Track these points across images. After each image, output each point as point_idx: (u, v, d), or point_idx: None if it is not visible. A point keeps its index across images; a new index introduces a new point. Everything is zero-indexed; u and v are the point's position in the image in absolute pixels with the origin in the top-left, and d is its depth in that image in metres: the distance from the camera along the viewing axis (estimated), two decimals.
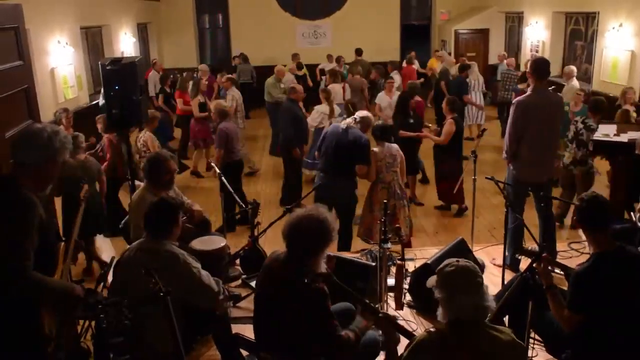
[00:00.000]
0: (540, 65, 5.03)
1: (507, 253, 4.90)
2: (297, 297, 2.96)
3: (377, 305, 3.39)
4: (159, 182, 4.35)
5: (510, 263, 4.98)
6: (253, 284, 4.76)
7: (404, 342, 3.14)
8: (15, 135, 2.92)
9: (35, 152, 2.78)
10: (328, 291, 3.03)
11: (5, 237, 2.57)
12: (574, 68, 9.40)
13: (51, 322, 2.86)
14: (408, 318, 4.41)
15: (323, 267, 3.10)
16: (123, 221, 5.41)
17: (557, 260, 4.99)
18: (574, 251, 5.45)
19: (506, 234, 4.79)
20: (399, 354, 2.87)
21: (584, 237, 3.42)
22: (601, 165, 6.69)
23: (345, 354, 3.03)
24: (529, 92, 5.09)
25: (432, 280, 2.64)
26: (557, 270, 4.90)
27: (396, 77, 10.91)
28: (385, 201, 4.48)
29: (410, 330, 3.40)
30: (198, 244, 4.46)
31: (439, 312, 2.56)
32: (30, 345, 2.74)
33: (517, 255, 3.51)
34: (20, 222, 2.62)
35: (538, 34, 13.18)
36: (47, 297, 2.77)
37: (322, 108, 8.64)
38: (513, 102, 5.11)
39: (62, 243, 3.18)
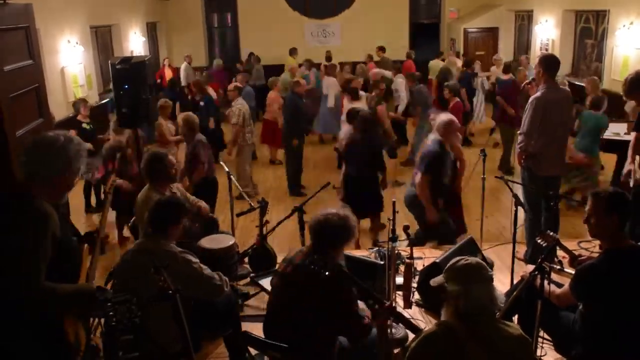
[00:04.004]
0: (549, 61, 5.11)
1: (527, 249, 5.25)
2: (320, 287, 3.02)
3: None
4: (162, 178, 4.37)
5: (529, 258, 5.19)
6: (262, 282, 4.76)
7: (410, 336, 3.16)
8: (28, 146, 2.78)
9: (50, 162, 2.69)
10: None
11: (16, 250, 2.52)
12: None
13: (77, 330, 2.83)
14: (417, 316, 4.40)
15: (342, 261, 3.25)
16: (132, 220, 5.43)
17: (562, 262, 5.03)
18: (583, 250, 5.42)
19: (515, 232, 4.78)
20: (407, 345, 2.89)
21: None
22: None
23: (365, 335, 3.20)
24: (542, 88, 5.11)
25: (438, 279, 2.66)
26: (567, 270, 4.91)
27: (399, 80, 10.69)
28: (393, 200, 4.48)
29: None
30: (206, 242, 4.48)
31: (443, 309, 2.57)
32: (55, 355, 2.70)
33: (537, 239, 3.54)
34: (32, 234, 2.56)
35: (548, 33, 13.11)
36: (64, 304, 2.71)
37: None
38: (530, 99, 5.15)
39: (86, 244, 3.14)
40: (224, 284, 3.54)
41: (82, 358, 2.85)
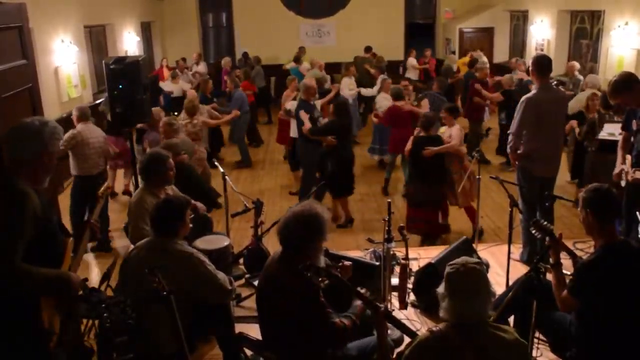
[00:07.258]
0: (541, 62, 5.10)
1: (523, 250, 5.34)
2: (289, 292, 2.97)
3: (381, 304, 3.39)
4: (159, 180, 4.34)
5: (526, 260, 5.21)
6: (256, 283, 4.76)
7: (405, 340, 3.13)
8: (6, 133, 2.88)
9: (26, 146, 2.76)
10: (331, 288, 3.04)
11: None
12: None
13: (52, 318, 2.82)
14: (412, 317, 4.40)
15: (322, 262, 3.14)
16: (125, 223, 5.40)
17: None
18: (579, 250, 5.42)
19: (511, 233, 4.78)
20: (400, 351, 2.86)
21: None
22: None
23: (342, 340, 3.06)
24: (535, 89, 5.13)
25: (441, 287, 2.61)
26: (564, 271, 4.89)
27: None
28: (389, 201, 4.46)
29: (414, 329, 3.39)
30: (201, 243, 4.45)
31: (441, 310, 2.54)
32: (29, 340, 2.69)
33: (531, 228, 3.52)
34: (8, 213, 2.58)
35: (543, 33, 13.13)
36: (38, 287, 2.70)
37: None
38: (522, 99, 5.14)
39: (70, 238, 3.13)
40: (234, 290, 3.54)
41: (56, 342, 2.82)
